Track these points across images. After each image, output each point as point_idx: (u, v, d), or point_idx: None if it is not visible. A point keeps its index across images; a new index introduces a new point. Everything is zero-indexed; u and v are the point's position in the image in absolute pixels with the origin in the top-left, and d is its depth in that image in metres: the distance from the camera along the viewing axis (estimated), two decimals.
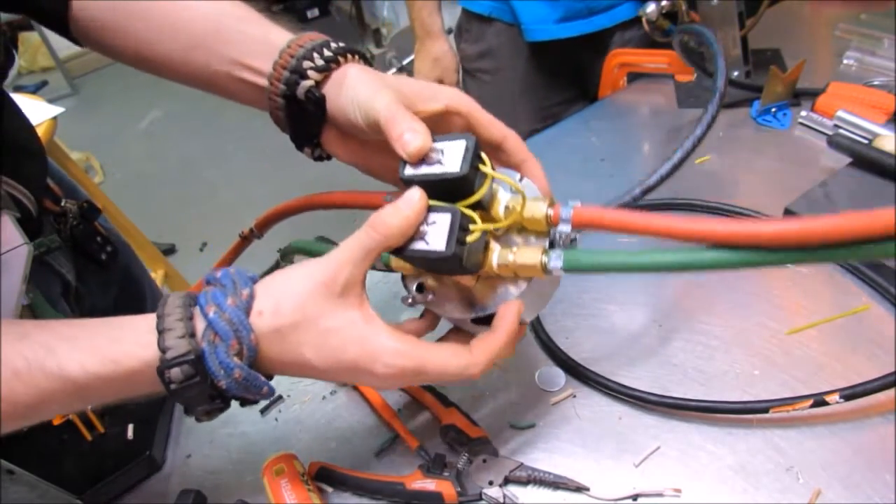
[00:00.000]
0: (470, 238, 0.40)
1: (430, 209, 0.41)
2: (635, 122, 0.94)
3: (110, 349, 0.38)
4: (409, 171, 0.41)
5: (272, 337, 0.39)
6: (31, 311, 0.53)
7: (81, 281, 0.64)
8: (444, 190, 0.41)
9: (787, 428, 0.51)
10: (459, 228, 0.39)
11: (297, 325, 0.39)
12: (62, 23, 0.54)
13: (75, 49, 3.45)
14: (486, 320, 0.44)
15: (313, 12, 3.59)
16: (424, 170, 0.41)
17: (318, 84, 0.47)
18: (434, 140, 0.41)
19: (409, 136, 0.41)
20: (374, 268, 0.47)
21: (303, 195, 0.58)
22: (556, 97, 1.13)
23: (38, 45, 3.41)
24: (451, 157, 0.40)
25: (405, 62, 2.49)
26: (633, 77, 1.00)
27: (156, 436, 0.57)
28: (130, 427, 0.57)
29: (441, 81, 1.23)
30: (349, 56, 0.48)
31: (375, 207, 0.47)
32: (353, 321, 0.40)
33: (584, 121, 0.94)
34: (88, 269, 0.66)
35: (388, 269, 0.49)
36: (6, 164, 0.53)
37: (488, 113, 0.47)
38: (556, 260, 0.41)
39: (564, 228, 0.42)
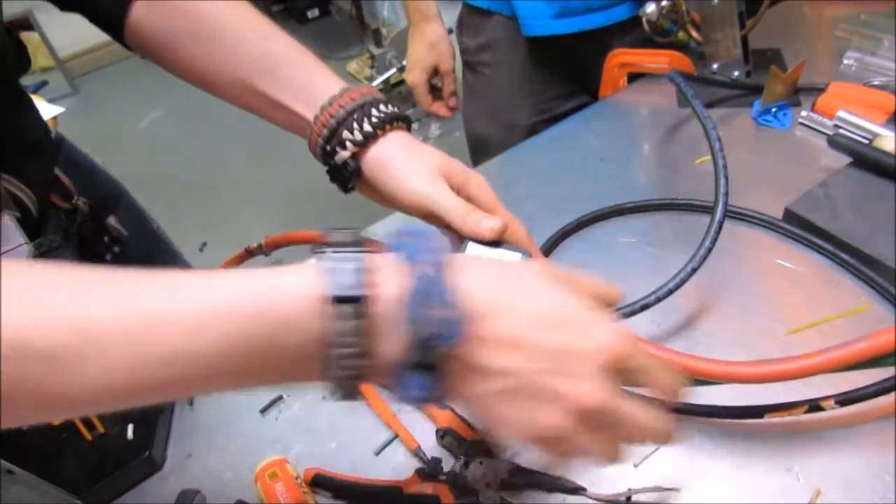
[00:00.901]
0: None
1: None
2: (635, 122, 0.94)
3: (267, 275, 0.32)
4: None
5: (497, 278, 0.34)
6: None
7: None
8: None
9: (786, 428, 0.51)
10: None
11: (520, 280, 0.35)
12: (118, 28, 0.55)
13: (75, 49, 3.46)
14: None
15: (313, 12, 3.59)
16: None
17: (357, 153, 0.49)
18: (494, 246, 0.46)
19: (489, 222, 0.45)
20: None
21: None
22: (554, 91, 1.12)
23: (38, 45, 3.40)
24: None
25: (405, 62, 2.48)
26: (633, 77, 1.00)
27: (156, 436, 0.57)
28: (130, 427, 0.57)
29: (436, 68, 1.18)
30: (391, 125, 0.50)
31: None
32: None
33: (584, 121, 0.94)
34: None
35: None
36: (10, 161, 0.53)
37: (503, 206, 0.50)
38: None
39: None
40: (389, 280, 0.31)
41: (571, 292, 0.35)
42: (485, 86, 1.16)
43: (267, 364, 0.31)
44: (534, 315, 0.33)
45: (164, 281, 0.31)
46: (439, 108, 1.24)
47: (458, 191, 0.49)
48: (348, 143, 0.49)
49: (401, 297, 0.30)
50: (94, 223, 0.65)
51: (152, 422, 0.58)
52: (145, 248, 0.76)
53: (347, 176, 0.51)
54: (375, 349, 0.31)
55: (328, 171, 0.53)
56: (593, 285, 0.38)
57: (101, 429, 0.57)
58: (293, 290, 0.31)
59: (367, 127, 0.48)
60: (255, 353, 0.30)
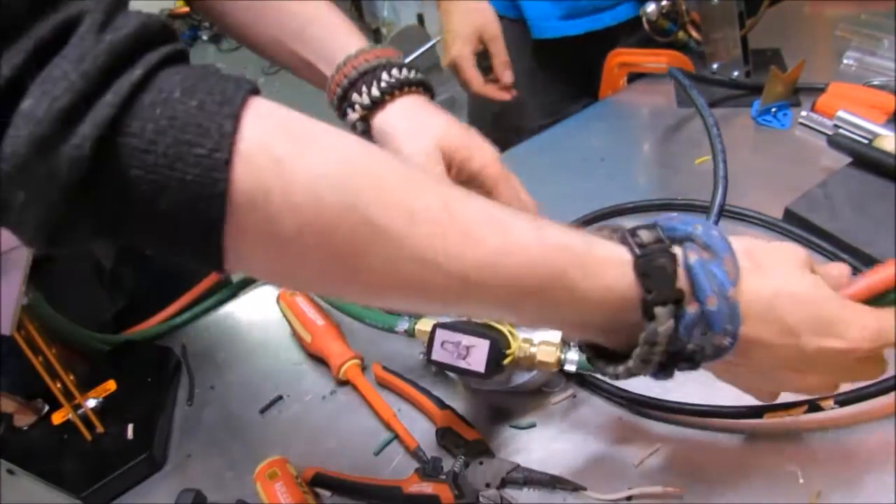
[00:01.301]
0: (505, 362, 0.49)
1: (468, 332, 0.49)
2: (635, 122, 0.94)
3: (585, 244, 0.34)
4: (435, 356, 0.51)
5: (749, 271, 0.35)
6: (31, 311, 0.54)
7: (123, 262, 0.64)
8: None
9: (787, 428, 0.51)
10: (497, 353, 0.48)
11: (772, 270, 0.36)
12: None
13: None
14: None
15: None
16: (452, 361, 0.50)
17: (367, 116, 0.50)
18: (460, 330, 0.49)
19: None
20: (393, 331, 0.58)
21: None
22: (562, 93, 1.12)
23: None
24: (475, 357, 0.49)
25: (405, 62, 2.48)
26: (633, 77, 1.00)
27: (156, 436, 0.57)
28: (130, 427, 0.57)
29: (480, 36, 0.96)
30: (401, 90, 0.50)
31: None
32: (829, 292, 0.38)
33: (584, 121, 0.94)
34: (131, 251, 0.67)
35: (411, 335, 0.57)
36: None
37: (514, 178, 0.51)
38: (570, 364, 0.51)
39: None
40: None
41: (821, 282, 0.37)
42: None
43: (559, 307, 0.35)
44: (793, 324, 0.35)
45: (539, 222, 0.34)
46: (492, 89, 1.00)
47: (461, 166, 0.48)
48: (357, 106, 0.49)
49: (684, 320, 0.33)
50: None
51: (152, 422, 0.58)
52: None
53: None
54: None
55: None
56: (827, 270, 0.40)
57: (101, 428, 0.57)
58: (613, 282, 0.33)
59: (374, 91, 0.48)
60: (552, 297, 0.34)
